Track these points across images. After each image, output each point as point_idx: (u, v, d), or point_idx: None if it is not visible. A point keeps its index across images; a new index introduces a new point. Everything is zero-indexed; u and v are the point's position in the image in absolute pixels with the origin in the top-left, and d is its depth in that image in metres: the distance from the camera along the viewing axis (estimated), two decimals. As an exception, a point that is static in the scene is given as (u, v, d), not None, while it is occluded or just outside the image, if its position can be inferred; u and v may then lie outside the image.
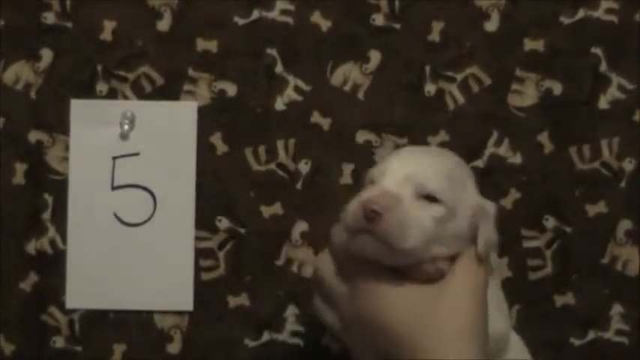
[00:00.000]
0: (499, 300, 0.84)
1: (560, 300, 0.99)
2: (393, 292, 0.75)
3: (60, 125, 0.98)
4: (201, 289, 0.98)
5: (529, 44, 0.99)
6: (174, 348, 0.99)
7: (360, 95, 0.99)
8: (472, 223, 0.78)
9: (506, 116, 0.99)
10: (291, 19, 0.99)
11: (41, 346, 0.98)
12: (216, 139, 0.99)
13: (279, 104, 0.99)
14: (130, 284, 0.98)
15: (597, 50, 0.99)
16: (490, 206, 0.80)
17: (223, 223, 0.99)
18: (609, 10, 0.99)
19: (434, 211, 0.76)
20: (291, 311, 0.99)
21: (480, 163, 0.99)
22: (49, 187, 0.98)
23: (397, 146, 0.98)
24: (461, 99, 0.99)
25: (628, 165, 0.99)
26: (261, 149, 0.99)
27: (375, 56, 0.99)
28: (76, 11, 0.99)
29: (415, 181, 0.76)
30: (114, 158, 0.98)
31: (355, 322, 0.77)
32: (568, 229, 0.99)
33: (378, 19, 0.99)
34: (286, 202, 0.99)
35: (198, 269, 0.98)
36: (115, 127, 0.98)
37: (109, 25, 0.99)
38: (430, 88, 0.99)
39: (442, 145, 0.98)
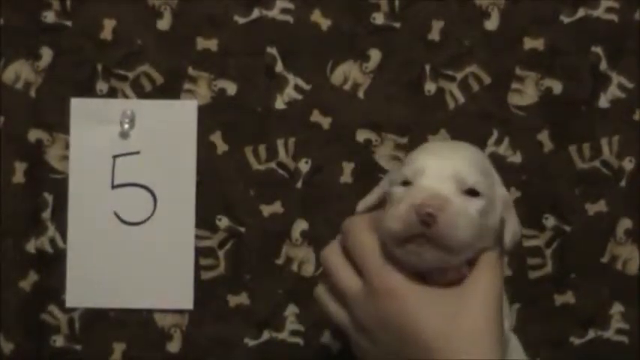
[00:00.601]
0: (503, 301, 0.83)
1: (560, 299, 0.99)
2: (423, 299, 0.73)
3: (60, 124, 0.98)
4: (201, 287, 0.98)
5: (529, 43, 0.99)
6: (174, 347, 0.99)
7: (360, 94, 0.99)
8: (501, 217, 0.78)
9: (506, 115, 0.99)
10: (291, 18, 0.99)
11: (41, 344, 0.98)
12: (216, 137, 0.99)
13: (279, 103, 0.99)
14: (129, 283, 0.98)
15: (597, 49, 0.99)
16: (510, 197, 0.80)
17: (223, 221, 0.99)
18: (609, 9, 0.99)
19: (477, 204, 0.75)
20: (291, 310, 0.98)
21: (479, 162, 0.98)
22: (49, 186, 0.98)
23: (398, 145, 0.98)
24: (461, 98, 0.99)
25: (628, 164, 0.99)
26: (261, 148, 0.99)
27: (375, 55, 0.99)
28: (76, 10, 0.99)
29: (456, 177, 0.75)
30: (114, 157, 0.98)
31: (374, 323, 0.74)
32: (568, 228, 0.99)
33: (378, 18, 0.99)
34: (286, 201, 0.99)
35: (198, 268, 0.98)
36: (115, 125, 0.98)
37: (109, 24, 0.99)
38: (430, 87, 0.99)
39: (442, 144, 0.98)
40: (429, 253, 0.73)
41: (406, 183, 0.76)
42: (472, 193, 0.75)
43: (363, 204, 0.82)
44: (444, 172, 0.75)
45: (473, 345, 0.71)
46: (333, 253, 0.79)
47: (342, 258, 0.78)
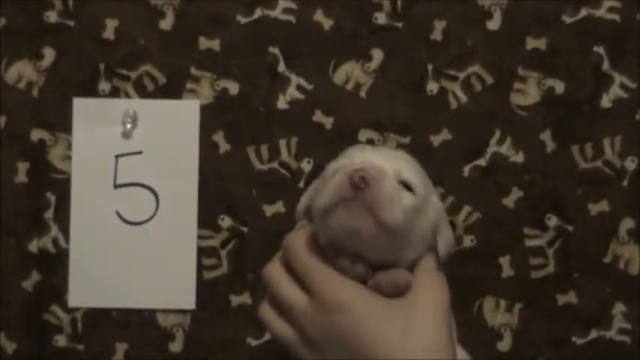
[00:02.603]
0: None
1: (562, 299, 0.99)
2: (373, 311, 0.70)
3: (62, 124, 0.98)
4: (204, 287, 0.98)
5: (531, 43, 0.99)
6: (176, 346, 0.99)
7: (363, 94, 0.99)
8: (434, 225, 0.74)
9: (508, 115, 0.99)
10: (293, 18, 0.99)
11: (43, 344, 0.98)
12: (219, 137, 0.99)
13: (282, 103, 0.99)
14: (132, 283, 0.98)
15: (599, 49, 0.99)
16: (443, 209, 0.77)
17: (226, 221, 0.99)
18: (611, 9, 0.99)
19: (411, 198, 0.71)
20: (293, 310, 0.98)
21: (482, 161, 0.99)
22: (51, 186, 0.98)
23: (400, 145, 0.98)
24: (463, 98, 0.99)
25: (630, 164, 0.99)
26: (264, 148, 0.99)
27: (377, 55, 0.99)
28: (79, 10, 0.99)
29: (392, 165, 0.72)
30: (116, 157, 0.98)
31: (324, 338, 0.71)
32: (570, 228, 0.99)
33: (381, 18, 0.99)
34: (288, 201, 0.99)
35: (200, 268, 0.99)
36: (118, 125, 0.98)
37: (111, 24, 0.99)
38: (432, 87, 0.99)
39: (445, 143, 0.98)
40: (355, 216, 0.69)
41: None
42: (406, 186, 0.72)
43: (300, 211, 0.78)
44: (379, 158, 0.72)
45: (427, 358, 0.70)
46: (276, 270, 0.75)
47: (285, 275, 0.74)
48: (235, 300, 0.99)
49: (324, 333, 0.71)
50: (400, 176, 0.72)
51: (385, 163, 0.72)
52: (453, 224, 0.96)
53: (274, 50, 0.99)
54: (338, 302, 0.70)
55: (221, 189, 0.99)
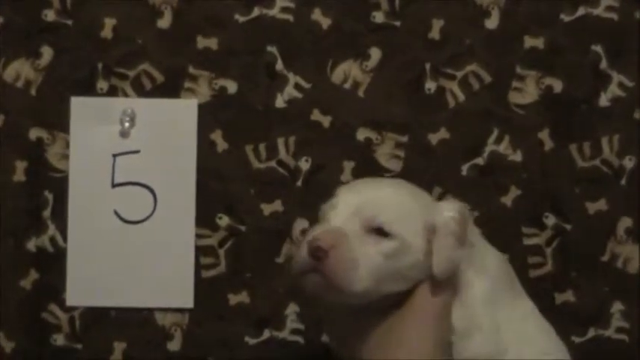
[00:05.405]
0: (472, 318, 0.76)
1: (560, 297, 0.99)
2: (363, 335, 0.73)
3: (60, 123, 0.98)
4: (202, 286, 0.98)
5: (529, 42, 0.99)
6: (174, 345, 0.99)
7: (361, 93, 0.99)
8: (427, 250, 0.73)
9: (506, 114, 0.99)
10: (291, 17, 0.99)
11: (41, 343, 0.98)
12: (217, 136, 0.99)
13: (280, 102, 0.99)
14: (130, 282, 0.98)
15: (597, 48, 0.99)
16: (448, 216, 0.73)
17: (224, 220, 0.99)
18: (609, 8, 0.99)
19: (384, 246, 0.71)
20: (291, 309, 0.98)
21: (480, 160, 0.99)
22: (49, 185, 0.98)
23: (398, 144, 0.98)
24: (461, 96, 0.99)
25: (628, 162, 0.99)
26: (262, 147, 0.99)
27: (375, 54, 0.99)
28: (77, 9, 0.99)
29: (364, 213, 0.72)
30: (114, 156, 0.98)
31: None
32: (568, 227, 0.99)
33: (379, 17, 0.99)
34: (286, 200, 0.99)
35: (198, 267, 0.98)
36: (116, 124, 0.98)
37: (109, 23, 0.99)
38: (430, 86, 0.99)
39: (443, 142, 0.98)
40: (319, 287, 0.71)
41: (322, 219, 0.75)
42: (381, 233, 0.71)
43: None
44: (350, 208, 0.72)
45: None
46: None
47: None
48: (233, 299, 0.99)
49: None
50: (373, 223, 0.72)
51: (354, 215, 0.72)
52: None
53: (272, 49, 0.99)
54: (334, 323, 0.76)
55: (219, 188, 0.99)
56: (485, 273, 0.77)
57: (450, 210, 0.74)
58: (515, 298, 0.79)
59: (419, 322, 0.73)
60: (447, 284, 0.74)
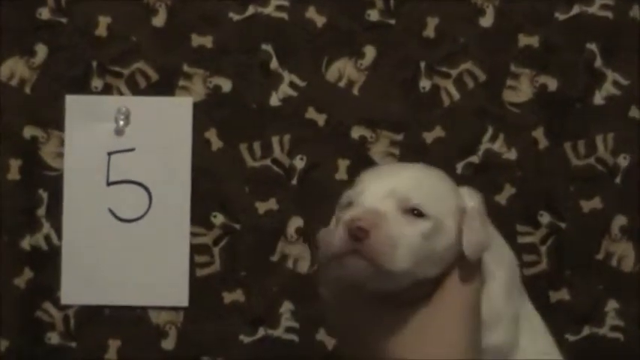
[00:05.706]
0: (496, 308, 0.76)
1: (555, 296, 0.99)
2: (393, 331, 0.71)
3: (55, 121, 0.98)
4: (196, 284, 0.98)
5: (524, 40, 0.99)
6: (169, 344, 0.99)
7: (355, 91, 0.99)
8: (458, 232, 0.72)
9: (501, 112, 0.99)
10: (286, 15, 0.99)
11: (36, 342, 0.98)
12: (211, 134, 0.99)
13: (274, 100, 0.99)
14: (125, 280, 0.98)
15: (592, 46, 0.99)
16: (473, 201, 0.74)
17: (218, 218, 0.99)
18: (604, 6, 0.99)
19: (421, 226, 0.70)
20: (286, 307, 0.98)
21: (474, 158, 0.99)
22: (43, 183, 0.98)
23: (393, 142, 0.98)
24: (456, 95, 0.99)
25: (623, 161, 0.99)
26: (256, 145, 0.99)
27: (370, 52, 0.99)
28: (71, 7, 0.99)
29: (398, 195, 0.71)
30: (109, 154, 0.98)
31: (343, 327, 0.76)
32: (563, 225, 0.99)
33: (373, 15, 0.99)
34: (281, 198, 0.99)
35: (193, 265, 0.98)
36: (110, 122, 0.98)
37: (103, 21, 0.99)
38: (425, 84, 0.99)
39: (437, 140, 0.98)
40: (360, 269, 0.69)
41: (350, 204, 0.73)
42: (416, 213, 0.71)
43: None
44: (383, 190, 0.71)
45: None
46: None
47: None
48: (228, 297, 0.99)
49: (346, 334, 0.75)
50: (409, 204, 0.71)
51: (389, 197, 0.71)
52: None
53: (267, 47, 0.99)
54: (359, 320, 0.74)
55: (214, 186, 0.99)
56: (504, 264, 0.77)
57: (473, 194, 0.75)
58: (522, 293, 0.80)
59: (453, 313, 0.72)
60: (474, 273, 0.74)
